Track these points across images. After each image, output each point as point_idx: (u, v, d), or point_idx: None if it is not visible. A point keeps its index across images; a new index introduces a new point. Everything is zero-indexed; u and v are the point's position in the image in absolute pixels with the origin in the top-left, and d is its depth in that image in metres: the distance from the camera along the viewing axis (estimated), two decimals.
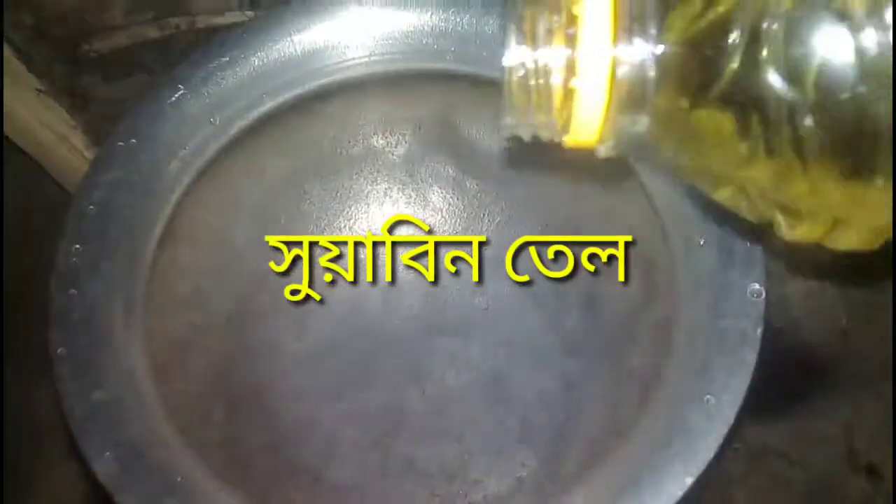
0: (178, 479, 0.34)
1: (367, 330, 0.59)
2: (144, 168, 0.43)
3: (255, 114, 0.49)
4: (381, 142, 0.58)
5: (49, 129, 0.55)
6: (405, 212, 0.60)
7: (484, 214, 0.59)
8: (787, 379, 0.51)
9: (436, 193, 0.60)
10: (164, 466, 0.35)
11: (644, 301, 0.51)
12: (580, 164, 0.54)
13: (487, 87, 0.53)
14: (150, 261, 0.46)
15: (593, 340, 0.54)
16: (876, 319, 0.54)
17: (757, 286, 0.35)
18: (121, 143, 0.43)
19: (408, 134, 0.57)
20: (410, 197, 0.60)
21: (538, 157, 0.55)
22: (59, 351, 0.37)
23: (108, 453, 0.34)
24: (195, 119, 0.45)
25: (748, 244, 0.36)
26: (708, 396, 0.33)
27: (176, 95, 0.44)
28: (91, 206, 0.41)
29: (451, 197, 0.60)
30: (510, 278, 0.58)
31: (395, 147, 0.58)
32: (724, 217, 0.38)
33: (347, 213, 0.59)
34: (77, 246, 0.40)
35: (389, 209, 0.60)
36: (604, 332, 0.54)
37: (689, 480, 0.31)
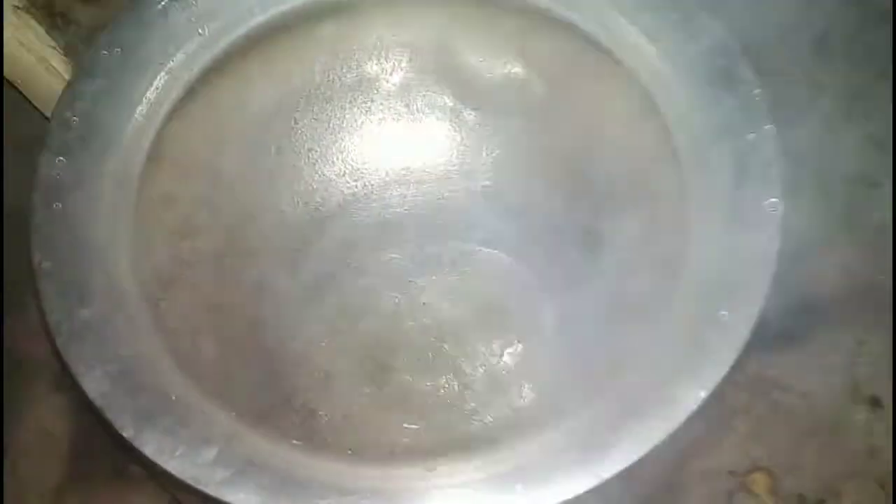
0: (173, 398, 0.33)
1: (361, 265, 0.57)
2: (130, 78, 0.41)
3: (243, 28, 0.47)
4: (375, 68, 0.55)
5: (28, 49, 0.52)
6: (398, 144, 0.58)
7: (482, 147, 0.57)
8: (789, 311, 0.50)
9: (432, 125, 0.57)
10: (157, 385, 0.34)
11: (648, 232, 0.49)
12: (586, 91, 0.53)
13: (487, 9, 0.51)
14: (136, 184, 0.43)
15: (594, 274, 0.53)
16: (879, 255, 0.53)
17: (773, 200, 0.34)
18: (105, 52, 0.41)
19: (404, 60, 0.55)
20: (406, 129, 0.58)
21: (540, 84, 0.54)
22: (43, 265, 0.35)
23: (97, 370, 0.33)
24: (182, 28, 0.43)
25: (765, 158, 0.35)
26: (722, 312, 0.32)
27: (163, 2, 0.42)
28: (74, 117, 0.39)
29: (448, 128, 0.57)
30: (508, 212, 0.57)
31: (391, 74, 0.56)
32: (741, 131, 0.37)
33: (340, 145, 0.57)
34: (61, 158, 0.38)
35: (384, 142, 0.58)
36: (606, 265, 0.52)
37: (703, 394, 0.30)
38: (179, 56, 0.43)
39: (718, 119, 0.38)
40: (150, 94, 0.43)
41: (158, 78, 0.43)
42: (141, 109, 0.42)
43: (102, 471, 0.49)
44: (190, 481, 0.30)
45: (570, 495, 0.30)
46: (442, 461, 0.33)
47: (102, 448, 0.48)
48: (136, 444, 0.31)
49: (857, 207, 0.54)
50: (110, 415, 0.32)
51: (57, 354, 0.33)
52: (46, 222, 0.36)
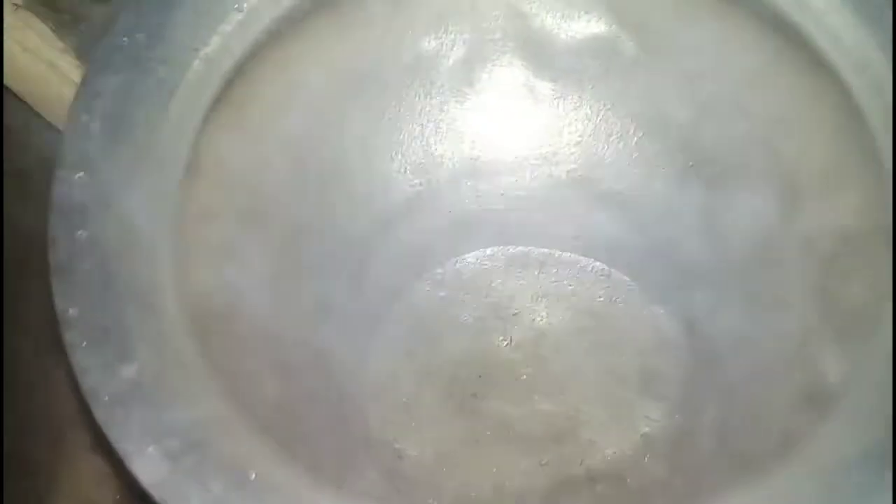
0: (252, 476, 0.25)
1: (434, 274, 0.49)
2: (158, 70, 0.33)
3: (285, 1, 0.39)
4: (433, 44, 0.47)
5: (33, 53, 0.45)
6: (464, 131, 0.50)
7: (564, 125, 0.49)
8: None
9: (502, 104, 0.49)
10: (230, 460, 0.25)
11: (786, 207, 0.41)
12: (690, 43, 0.44)
13: None
14: (175, 198, 0.36)
15: (720, 266, 0.44)
16: None
17: None
18: (125, 39, 0.33)
19: (466, 31, 0.47)
20: (472, 112, 0.49)
21: (632, 42, 0.45)
22: (69, 312, 0.27)
23: (151, 448, 0.25)
24: (216, 3, 0.35)
25: None
26: None
27: None
28: (93, 122, 0.31)
29: (522, 106, 0.49)
30: (602, 201, 0.48)
31: (451, 49, 0.47)
32: None
33: (398, 137, 0.49)
34: (80, 174, 0.30)
35: (448, 129, 0.50)
36: (734, 253, 0.44)
37: None
38: (215, 39, 0.35)
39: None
40: (185, 88, 0.34)
41: (192, 68, 0.35)
42: (175, 107, 0.34)
43: None
44: None
45: None
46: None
47: None
48: None
49: None
50: None
51: (93, 425, 0.25)
52: (69, 256, 0.28)
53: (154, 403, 0.26)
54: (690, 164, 0.45)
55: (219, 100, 0.38)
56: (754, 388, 0.40)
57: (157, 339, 0.28)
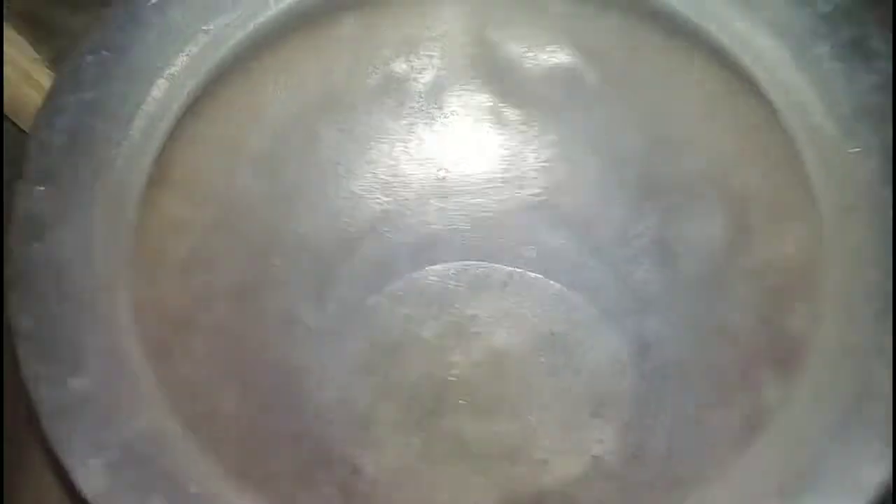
0: (192, 490, 0.26)
1: (397, 291, 0.50)
2: (123, 88, 0.34)
3: (253, 25, 0.40)
4: (403, 67, 0.48)
5: (8, 62, 0.46)
6: (432, 152, 0.51)
7: (529, 149, 0.50)
8: None
9: (470, 128, 0.50)
10: (171, 474, 0.26)
11: (736, 240, 0.42)
12: (651, 75, 0.45)
13: None
14: (135, 212, 0.36)
15: (671, 294, 0.46)
16: None
17: None
18: (91, 57, 0.33)
19: (435, 56, 0.48)
20: (438, 133, 0.51)
21: (594, 72, 0.47)
22: (22, 324, 0.28)
23: (93, 460, 0.25)
24: (184, 25, 0.36)
25: None
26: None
27: None
28: (55, 136, 0.32)
29: (488, 131, 0.50)
30: (564, 225, 0.50)
31: (421, 73, 0.49)
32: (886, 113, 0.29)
33: (367, 156, 0.50)
34: (40, 187, 0.30)
35: (416, 150, 0.51)
36: (685, 283, 0.45)
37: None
38: (181, 59, 0.36)
39: (851, 101, 0.30)
40: (148, 105, 0.35)
41: (157, 86, 0.35)
42: (138, 124, 0.35)
43: None
44: None
45: None
46: None
47: None
48: None
49: None
50: None
51: (42, 440, 0.26)
52: (24, 268, 0.29)
53: (100, 416, 0.27)
54: (645, 193, 0.47)
55: (186, 115, 0.39)
56: (700, 413, 0.41)
57: (109, 353, 0.29)
